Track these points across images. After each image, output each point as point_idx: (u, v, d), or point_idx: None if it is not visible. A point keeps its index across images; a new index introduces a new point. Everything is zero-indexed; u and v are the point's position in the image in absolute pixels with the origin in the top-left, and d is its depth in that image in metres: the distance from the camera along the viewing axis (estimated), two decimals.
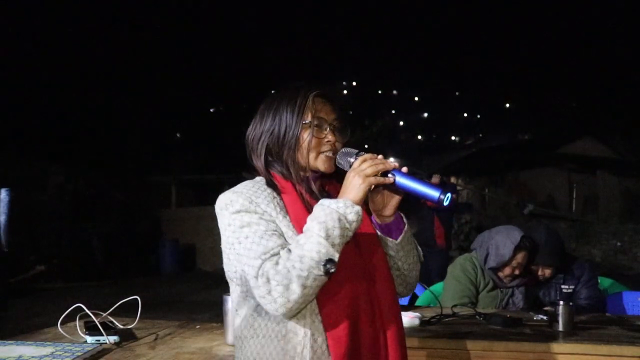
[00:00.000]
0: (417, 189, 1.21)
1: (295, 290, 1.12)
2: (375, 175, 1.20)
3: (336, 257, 1.14)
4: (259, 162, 1.33)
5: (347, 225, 1.15)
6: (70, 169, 13.46)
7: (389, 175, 1.22)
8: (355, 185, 1.19)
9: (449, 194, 1.21)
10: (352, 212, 1.16)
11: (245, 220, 1.22)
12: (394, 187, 1.24)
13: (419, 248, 1.41)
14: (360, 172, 1.20)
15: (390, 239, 1.31)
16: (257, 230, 1.20)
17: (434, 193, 1.20)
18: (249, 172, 1.35)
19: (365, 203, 1.30)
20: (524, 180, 18.58)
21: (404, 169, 1.24)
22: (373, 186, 1.23)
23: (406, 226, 1.33)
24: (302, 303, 1.15)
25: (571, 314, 2.17)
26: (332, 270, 1.13)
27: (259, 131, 1.33)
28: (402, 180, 1.22)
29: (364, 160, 1.21)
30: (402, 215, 1.33)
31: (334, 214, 1.15)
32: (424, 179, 1.25)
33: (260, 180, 1.32)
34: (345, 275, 1.21)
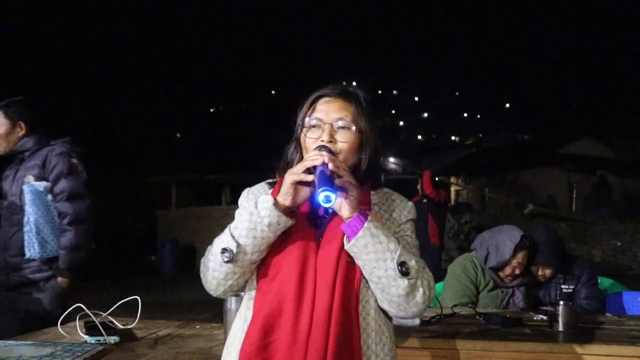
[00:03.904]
0: (316, 186, 1.18)
1: (208, 273, 1.28)
2: (304, 172, 1.21)
3: (233, 246, 1.22)
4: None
5: (258, 220, 1.21)
6: None
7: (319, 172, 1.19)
8: (283, 182, 1.24)
9: (328, 195, 1.13)
10: (264, 208, 1.22)
11: (238, 213, 1.34)
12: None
13: (402, 263, 1.21)
14: (290, 170, 1.24)
15: (346, 242, 1.23)
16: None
17: (318, 190, 1.15)
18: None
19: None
20: (524, 180, 18.57)
21: (330, 167, 1.19)
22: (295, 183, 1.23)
23: (362, 231, 1.20)
24: (218, 285, 1.28)
25: (571, 314, 2.17)
26: (226, 259, 1.23)
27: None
28: (316, 178, 1.19)
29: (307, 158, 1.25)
30: (365, 218, 1.22)
31: (250, 208, 1.25)
32: (329, 177, 1.18)
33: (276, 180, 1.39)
34: (281, 269, 1.25)
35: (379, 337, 1.27)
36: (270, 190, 1.34)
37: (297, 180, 1.21)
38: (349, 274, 1.23)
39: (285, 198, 1.21)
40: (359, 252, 1.21)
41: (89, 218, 2.75)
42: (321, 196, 1.14)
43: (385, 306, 1.26)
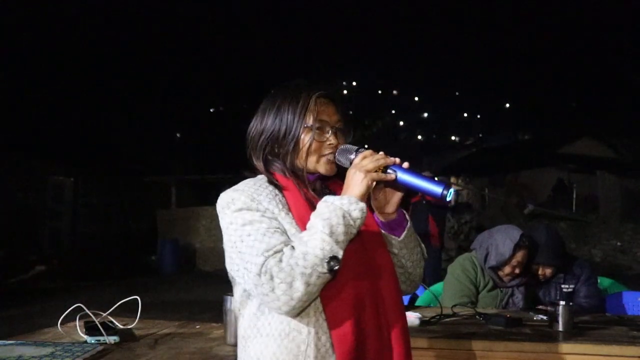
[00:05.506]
0: (419, 184, 1.20)
1: (299, 288, 1.10)
2: (377, 170, 1.20)
3: (340, 254, 1.12)
4: (259, 161, 1.31)
5: (352, 222, 1.14)
6: (70, 169, 13.46)
7: (390, 171, 1.21)
8: (357, 181, 1.18)
9: (451, 190, 1.20)
10: (357, 209, 1.15)
11: (247, 218, 1.20)
12: (395, 184, 1.23)
13: (422, 245, 1.39)
14: (362, 168, 1.19)
15: (393, 237, 1.29)
16: (260, 227, 1.18)
17: (437, 188, 1.18)
18: (251, 171, 1.33)
19: (368, 200, 1.29)
20: (524, 180, 18.60)
21: (405, 165, 1.22)
22: (374, 182, 1.22)
23: (409, 223, 1.31)
24: (306, 301, 1.14)
25: (571, 314, 2.17)
26: (336, 267, 1.12)
27: (260, 130, 1.32)
28: (403, 176, 1.21)
29: (365, 157, 1.21)
30: (404, 212, 1.31)
31: (338, 211, 1.14)
32: (425, 175, 1.24)
33: (261, 178, 1.30)
34: (349, 273, 1.20)
35: None
36: (275, 189, 1.26)
37: (377, 180, 1.20)
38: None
39: (365, 197, 1.19)
40: (407, 242, 1.31)
41: None
42: (450, 191, 1.20)
43: (404, 287, 1.37)
